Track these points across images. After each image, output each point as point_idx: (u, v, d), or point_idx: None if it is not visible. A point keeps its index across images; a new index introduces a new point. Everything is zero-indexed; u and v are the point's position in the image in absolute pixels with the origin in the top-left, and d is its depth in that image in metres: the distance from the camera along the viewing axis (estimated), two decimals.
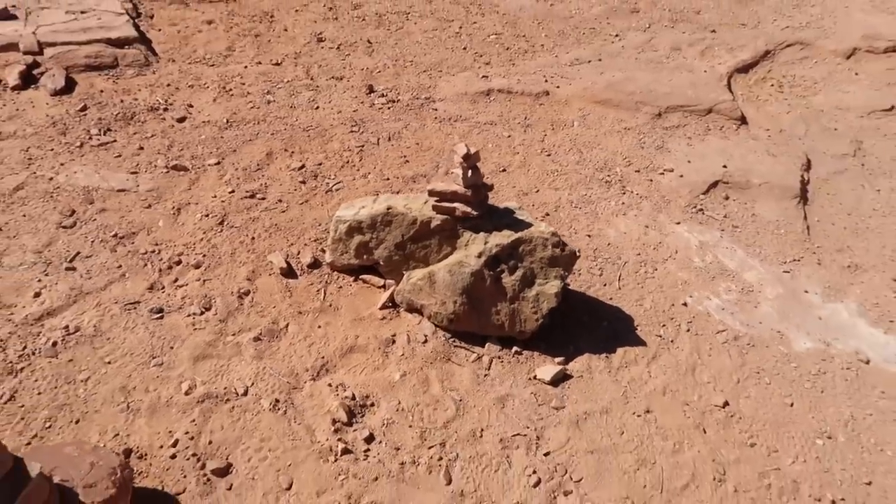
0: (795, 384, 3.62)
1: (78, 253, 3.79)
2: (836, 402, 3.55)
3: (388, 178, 4.64)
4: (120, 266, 3.75)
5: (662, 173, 4.99)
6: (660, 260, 4.32)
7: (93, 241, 3.88)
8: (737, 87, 6.05)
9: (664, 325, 3.89)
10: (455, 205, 3.46)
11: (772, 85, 6.22)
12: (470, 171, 3.35)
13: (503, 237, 3.48)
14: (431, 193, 3.49)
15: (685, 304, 4.04)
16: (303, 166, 4.64)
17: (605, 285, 4.10)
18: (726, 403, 3.47)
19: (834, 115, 5.91)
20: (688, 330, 3.88)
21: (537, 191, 4.72)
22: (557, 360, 3.58)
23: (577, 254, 3.62)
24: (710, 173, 4.99)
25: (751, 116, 5.73)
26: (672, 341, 3.80)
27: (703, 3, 7.25)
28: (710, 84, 5.90)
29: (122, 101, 5.05)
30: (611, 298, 4.02)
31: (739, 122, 5.60)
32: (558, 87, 5.68)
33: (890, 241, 4.73)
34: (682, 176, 4.96)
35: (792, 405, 3.50)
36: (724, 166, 5.06)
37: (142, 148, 4.64)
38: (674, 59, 6.24)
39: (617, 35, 6.57)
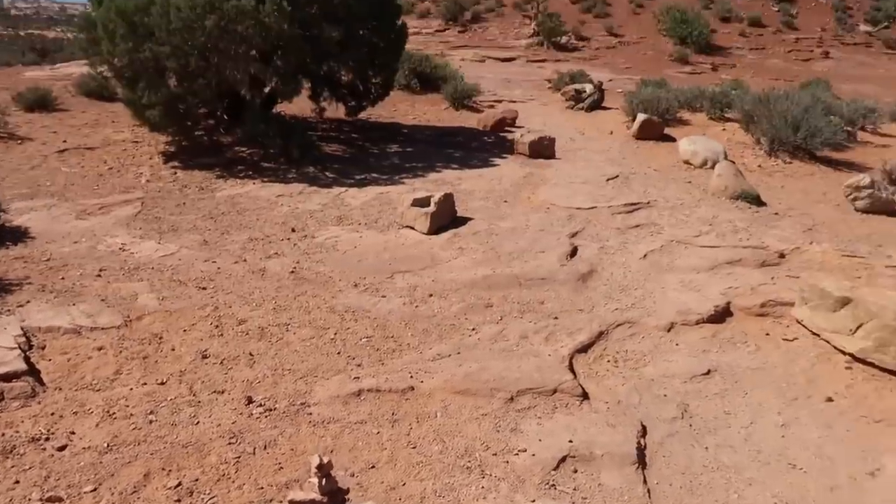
0: None
1: None
2: None
3: (262, 487, 4.94)
4: None
5: (517, 454, 5.56)
6: None
7: None
8: (578, 366, 6.99)
9: None
10: None
11: (608, 361, 7.23)
12: (324, 480, 3.80)
13: None
14: (292, 503, 3.86)
15: None
16: (179, 484, 4.90)
17: None
18: None
19: (662, 382, 6.87)
20: None
21: (404, 484, 5.13)
22: None
23: None
24: (559, 449, 5.62)
25: (592, 391, 6.58)
26: None
27: (546, 294, 8.53)
28: (554, 366, 6.81)
29: (2, 434, 5.28)
30: None
31: (582, 397, 6.42)
32: (422, 381, 6.40)
33: (721, 495, 5.35)
34: (534, 455, 5.55)
35: None
36: (570, 441, 5.72)
37: (18, 482, 4.80)
38: (522, 346, 7.22)
39: (473, 329, 7.57)
